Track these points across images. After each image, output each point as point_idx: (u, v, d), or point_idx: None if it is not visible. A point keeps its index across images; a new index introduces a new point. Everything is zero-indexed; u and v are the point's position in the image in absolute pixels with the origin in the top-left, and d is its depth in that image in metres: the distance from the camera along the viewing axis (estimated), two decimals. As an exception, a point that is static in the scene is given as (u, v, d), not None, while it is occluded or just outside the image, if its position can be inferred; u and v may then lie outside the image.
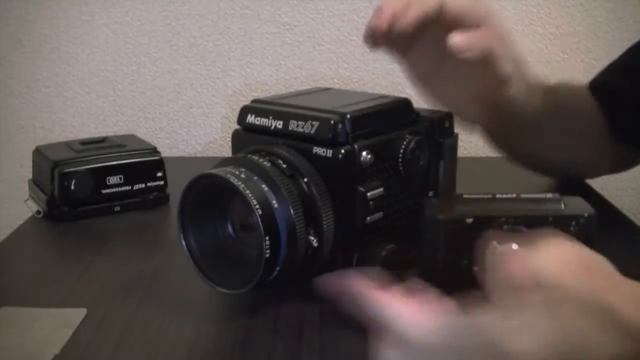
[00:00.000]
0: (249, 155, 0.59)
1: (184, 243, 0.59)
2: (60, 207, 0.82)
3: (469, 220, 0.51)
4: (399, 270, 0.61)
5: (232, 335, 0.56)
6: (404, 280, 0.45)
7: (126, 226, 0.81)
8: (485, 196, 0.53)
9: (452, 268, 0.51)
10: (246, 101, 0.66)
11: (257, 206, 0.54)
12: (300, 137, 0.60)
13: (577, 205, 0.51)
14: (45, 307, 0.61)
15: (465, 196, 0.53)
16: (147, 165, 0.86)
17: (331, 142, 0.58)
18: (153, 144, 0.91)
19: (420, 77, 0.67)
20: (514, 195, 0.53)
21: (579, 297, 0.38)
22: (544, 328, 0.38)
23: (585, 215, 0.50)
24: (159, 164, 0.87)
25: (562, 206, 0.51)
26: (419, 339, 0.41)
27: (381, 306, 0.43)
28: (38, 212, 0.84)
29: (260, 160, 0.58)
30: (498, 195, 0.53)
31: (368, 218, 0.59)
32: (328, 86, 0.78)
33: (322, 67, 1.12)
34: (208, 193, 0.58)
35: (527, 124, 0.70)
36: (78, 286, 0.66)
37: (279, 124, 0.61)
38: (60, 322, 0.58)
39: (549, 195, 0.52)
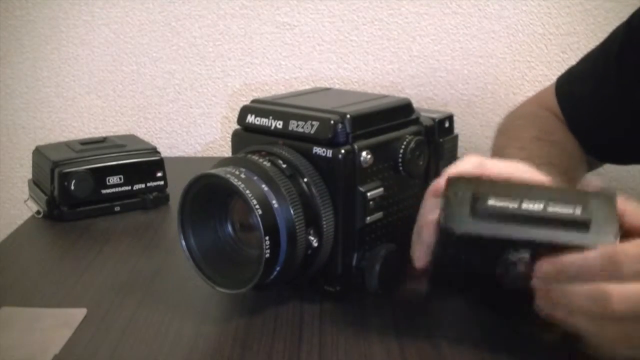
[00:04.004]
0: (248, 155, 0.59)
1: (183, 243, 0.59)
2: (60, 207, 0.82)
3: (486, 238, 0.49)
4: (399, 270, 0.61)
5: (232, 335, 0.56)
6: None
7: (126, 226, 0.81)
8: (512, 204, 0.49)
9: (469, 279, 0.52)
10: (246, 101, 0.66)
11: (257, 206, 0.54)
12: (300, 137, 0.60)
13: (603, 231, 0.48)
14: (45, 307, 0.61)
15: (491, 201, 0.49)
16: (147, 165, 0.86)
17: (331, 142, 0.58)
18: (153, 144, 0.91)
19: None
20: (541, 207, 0.49)
21: None
22: None
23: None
24: (159, 164, 0.87)
25: (588, 234, 0.48)
26: None
27: None
28: (38, 212, 0.84)
29: (260, 160, 0.58)
30: (524, 206, 0.49)
31: (368, 218, 0.59)
32: (328, 86, 0.78)
33: (322, 67, 1.12)
34: (208, 193, 0.58)
35: None
36: (78, 286, 0.66)
37: (279, 124, 0.61)
38: (60, 322, 0.58)
39: (578, 211, 0.49)
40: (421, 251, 0.54)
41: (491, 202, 0.50)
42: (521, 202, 0.49)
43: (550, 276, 0.49)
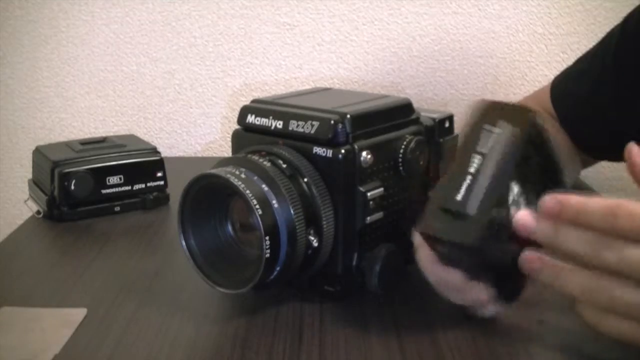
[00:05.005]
0: (249, 155, 0.59)
1: (183, 243, 0.59)
2: (60, 207, 0.82)
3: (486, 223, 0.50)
4: (399, 270, 0.61)
5: (232, 335, 0.56)
6: None
7: (126, 226, 0.81)
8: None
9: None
10: (246, 101, 0.66)
11: (257, 206, 0.54)
12: (300, 137, 0.60)
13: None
14: (45, 307, 0.61)
15: (458, 197, 0.50)
16: (147, 165, 0.86)
17: (331, 142, 0.58)
18: (153, 144, 0.91)
19: None
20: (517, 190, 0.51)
21: None
22: None
23: None
24: (159, 164, 0.87)
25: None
26: None
27: None
28: (38, 212, 0.84)
29: (260, 160, 0.58)
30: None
31: (368, 218, 0.59)
32: (328, 86, 0.78)
33: (322, 67, 1.12)
34: (208, 193, 0.58)
35: None
36: (78, 286, 0.66)
37: (279, 124, 0.61)
38: (60, 322, 0.58)
39: None
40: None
41: (458, 197, 0.51)
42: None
43: (552, 212, 0.48)
